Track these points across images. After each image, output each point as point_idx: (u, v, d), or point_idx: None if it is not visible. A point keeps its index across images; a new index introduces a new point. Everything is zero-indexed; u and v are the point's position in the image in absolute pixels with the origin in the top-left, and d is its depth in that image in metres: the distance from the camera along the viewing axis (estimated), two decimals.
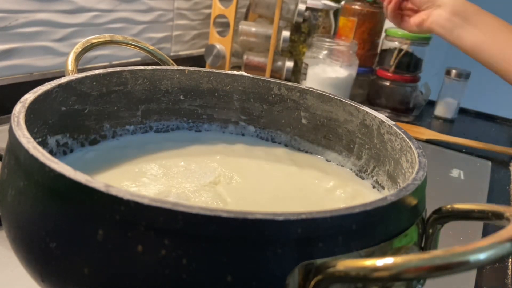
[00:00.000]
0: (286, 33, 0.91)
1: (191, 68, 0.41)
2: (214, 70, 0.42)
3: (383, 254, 0.22)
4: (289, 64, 0.93)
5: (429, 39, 0.91)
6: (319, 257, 0.20)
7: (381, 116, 0.35)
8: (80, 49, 0.39)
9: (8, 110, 0.28)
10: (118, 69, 0.37)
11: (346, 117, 0.39)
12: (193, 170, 0.35)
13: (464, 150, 0.79)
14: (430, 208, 0.27)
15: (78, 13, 0.74)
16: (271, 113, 0.43)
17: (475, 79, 1.03)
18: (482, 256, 0.17)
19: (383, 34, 0.95)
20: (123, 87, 0.38)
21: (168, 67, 0.40)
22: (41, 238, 0.21)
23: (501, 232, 0.18)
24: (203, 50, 0.96)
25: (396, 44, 0.90)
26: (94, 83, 0.35)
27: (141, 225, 0.19)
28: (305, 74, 0.88)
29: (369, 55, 0.96)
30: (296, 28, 0.96)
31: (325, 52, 0.86)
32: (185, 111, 0.42)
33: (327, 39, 0.87)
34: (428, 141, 0.81)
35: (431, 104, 1.02)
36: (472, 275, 0.45)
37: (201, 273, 0.19)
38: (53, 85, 0.31)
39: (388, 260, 0.18)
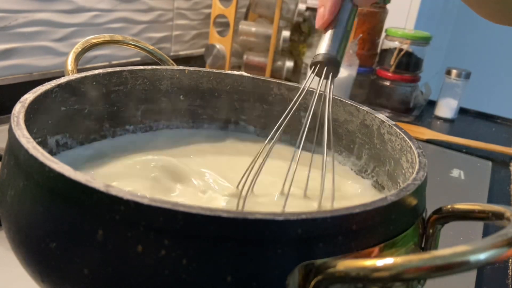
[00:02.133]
0: (286, 33, 0.91)
1: (191, 68, 0.41)
2: (214, 70, 0.42)
3: (383, 254, 0.22)
4: (289, 64, 0.93)
5: (429, 39, 0.91)
6: (319, 257, 0.20)
7: (381, 116, 0.35)
8: (80, 49, 0.39)
9: (8, 110, 0.28)
10: (118, 69, 0.37)
11: (346, 117, 0.39)
12: (188, 169, 0.35)
13: (464, 150, 0.79)
14: (430, 208, 0.27)
15: (78, 13, 0.74)
16: (271, 113, 0.43)
17: (475, 79, 1.03)
18: (482, 256, 0.17)
19: (383, 34, 0.95)
20: (123, 87, 0.38)
21: (168, 67, 0.40)
22: (41, 238, 0.21)
23: (501, 232, 0.18)
24: (203, 50, 0.96)
25: (396, 44, 0.90)
26: (94, 83, 0.35)
27: (141, 225, 0.19)
28: (305, 74, 0.88)
29: (369, 55, 0.96)
30: (296, 28, 0.96)
31: None
32: (185, 111, 0.42)
33: None
34: (428, 141, 0.81)
35: (431, 104, 1.02)
36: (472, 275, 0.45)
37: (201, 273, 0.19)
38: (53, 85, 0.31)
39: (388, 261, 0.18)
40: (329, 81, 0.32)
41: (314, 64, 0.33)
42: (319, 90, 0.33)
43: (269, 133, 0.43)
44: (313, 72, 0.33)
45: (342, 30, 0.33)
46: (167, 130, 0.42)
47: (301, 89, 0.33)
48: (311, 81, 0.33)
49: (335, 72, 0.33)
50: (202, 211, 0.18)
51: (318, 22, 0.33)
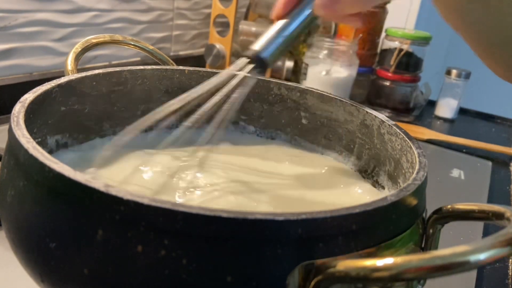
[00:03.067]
0: None
1: (191, 68, 0.41)
2: (214, 70, 0.42)
3: (383, 254, 0.22)
4: (289, 64, 0.93)
5: (429, 39, 0.91)
6: (319, 257, 0.20)
7: (381, 116, 0.35)
8: (79, 49, 0.39)
9: (8, 110, 0.28)
10: (118, 69, 0.37)
11: (346, 117, 0.39)
12: (189, 170, 0.35)
13: (464, 150, 0.79)
14: (430, 208, 0.27)
15: (78, 13, 0.74)
16: (271, 113, 0.43)
17: (475, 79, 1.03)
18: (482, 256, 0.17)
19: (383, 34, 0.95)
20: (123, 87, 0.38)
21: (168, 67, 0.40)
22: (41, 238, 0.21)
23: (501, 232, 0.18)
24: (203, 50, 0.96)
25: (396, 44, 0.90)
26: (94, 83, 0.35)
27: (141, 225, 0.19)
28: (305, 74, 0.88)
29: (369, 55, 0.96)
30: None
31: (325, 52, 0.86)
32: (185, 111, 0.42)
33: (327, 39, 0.87)
34: (429, 141, 0.81)
35: (432, 104, 1.02)
36: (472, 275, 0.45)
37: (201, 273, 0.19)
38: (53, 85, 0.31)
39: (388, 260, 0.18)
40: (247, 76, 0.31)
41: (244, 55, 0.32)
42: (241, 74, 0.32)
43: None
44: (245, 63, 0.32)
45: (288, 31, 0.32)
46: (167, 130, 0.42)
47: (222, 73, 0.32)
48: (236, 69, 0.32)
49: (260, 71, 0.32)
50: (202, 211, 0.18)
51: (273, 11, 0.32)
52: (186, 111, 0.37)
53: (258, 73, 0.32)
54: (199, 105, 0.42)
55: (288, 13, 0.32)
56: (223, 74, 0.32)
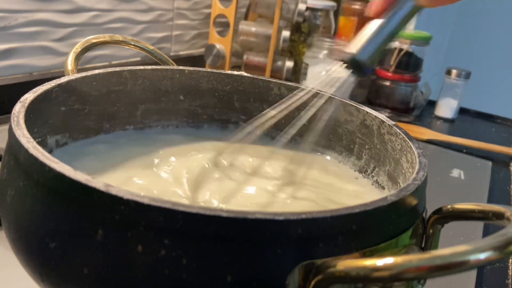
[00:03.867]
0: (286, 33, 0.91)
1: (191, 68, 0.41)
2: (214, 70, 0.42)
3: (383, 254, 0.22)
4: (289, 64, 0.93)
5: (429, 39, 0.91)
6: (319, 257, 0.20)
7: (381, 116, 0.35)
8: (80, 49, 0.39)
9: (8, 110, 0.28)
10: (118, 69, 0.37)
11: (346, 117, 0.39)
12: (182, 169, 0.35)
13: (464, 150, 0.79)
14: (430, 208, 0.27)
15: (78, 13, 0.74)
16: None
17: (475, 79, 1.03)
18: (482, 256, 0.17)
19: None
20: (123, 87, 0.38)
21: (168, 67, 0.40)
22: (41, 238, 0.21)
23: (501, 232, 0.18)
24: (203, 50, 0.96)
25: (396, 43, 0.90)
26: (94, 83, 0.35)
27: (141, 225, 0.19)
28: (305, 74, 0.88)
29: None
30: (296, 28, 0.96)
31: (325, 52, 0.86)
32: (185, 111, 0.42)
33: (327, 39, 0.87)
34: (429, 141, 0.81)
35: (432, 104, 1.02)
36: (472, 275, 0.45)
37: (201, 273, 0.19)
38: (53, 85, 0.31)
39: (388, 260, 0.18)
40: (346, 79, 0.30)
41: (341, 60, 0.30)
42: (319, 90, 0.32)
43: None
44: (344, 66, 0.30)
45: (389, 28, 0.29)
46: (167, 129, 0.42)
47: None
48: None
49: (359, 74, 0.30)
50: (202, 211, 0.18)
51: (370, 8, 0.30)
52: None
53: (356, 77, 0.30)
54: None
55: (388, 8, 0.29)
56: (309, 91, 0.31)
